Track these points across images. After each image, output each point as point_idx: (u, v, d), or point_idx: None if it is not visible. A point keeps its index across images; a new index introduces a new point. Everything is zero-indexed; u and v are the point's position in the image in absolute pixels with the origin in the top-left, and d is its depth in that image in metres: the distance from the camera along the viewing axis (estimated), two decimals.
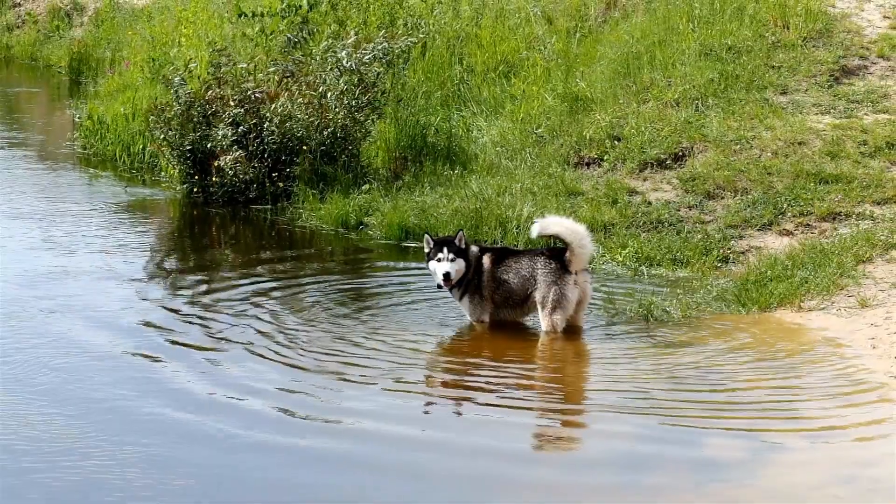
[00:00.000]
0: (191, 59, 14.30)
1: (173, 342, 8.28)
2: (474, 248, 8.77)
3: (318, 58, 13.00)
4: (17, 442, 6.48)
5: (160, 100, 13.35)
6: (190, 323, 8.74)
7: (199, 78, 13.39)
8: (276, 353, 8.04)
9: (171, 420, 6.84)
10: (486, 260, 8.67)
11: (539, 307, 8.43)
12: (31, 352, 7.98)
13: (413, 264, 10.50)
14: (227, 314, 8.94)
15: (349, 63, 12.73)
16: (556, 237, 8.49)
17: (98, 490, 5.96)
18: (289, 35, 13.98)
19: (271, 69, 13.47)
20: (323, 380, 7.54)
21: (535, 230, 8.49)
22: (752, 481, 6.10)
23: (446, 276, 8.48)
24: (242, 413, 6.98)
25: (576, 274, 8.34)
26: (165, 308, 9.15)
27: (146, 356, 7.98)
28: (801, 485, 6.06)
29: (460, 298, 8.74)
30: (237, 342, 8.26)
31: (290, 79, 13.21)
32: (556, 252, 8.48)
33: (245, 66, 13.54)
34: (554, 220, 8.52)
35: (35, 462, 6.23)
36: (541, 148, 12.47)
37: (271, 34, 14.82)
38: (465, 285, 8.67)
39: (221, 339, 8.36)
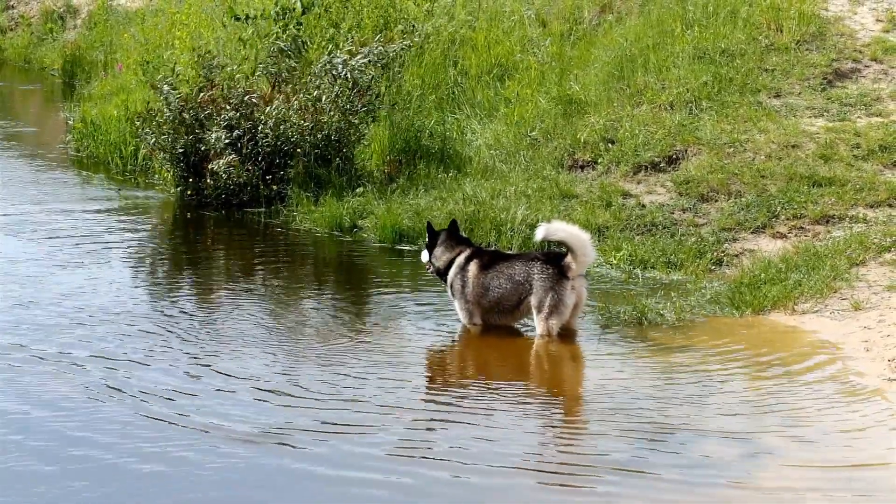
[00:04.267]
0: (176, 63, 14.25)
1: (145, 337, 8.24)
2: (460, 250, 8.75)
3: (314, 66, 12.96)
4: None
5: (151, 105, 13.30)
6: (168, 325, 8.68)
7: (188, 82, 13.33)
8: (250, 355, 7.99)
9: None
10: (472, 266, 8.62)
11: (535, 311, 8.38)
12: None
13: (406, 268, 10.51)
14: (212, 315, 8.92)
15: (343, 71, 12.72)
16: (560, 243, 8.43)
17: None
18: (281, 44, 13.95)
19: (258, 73, 13.45)
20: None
21: (540, 234, 8.37)
22: (747, 483, 6.11)
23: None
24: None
25: (573, 279, 8.33)
26: (145, 307, 9.16)
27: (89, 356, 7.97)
28: (794, 486, 6.07)
29: (453, 299, 8.76)
30: (219, 343, 8.24)
31: (282, 83, 13.18)
32: (553, 257, 8.44)
33: (234, 68, 13.50)
34: (560, 225, 8.40)
35: None
36: (535, 151, 12.48)
37: (265, 36, 14.80)
38: (450, 288, 8.71)
39: (199, 340, 8.32)
